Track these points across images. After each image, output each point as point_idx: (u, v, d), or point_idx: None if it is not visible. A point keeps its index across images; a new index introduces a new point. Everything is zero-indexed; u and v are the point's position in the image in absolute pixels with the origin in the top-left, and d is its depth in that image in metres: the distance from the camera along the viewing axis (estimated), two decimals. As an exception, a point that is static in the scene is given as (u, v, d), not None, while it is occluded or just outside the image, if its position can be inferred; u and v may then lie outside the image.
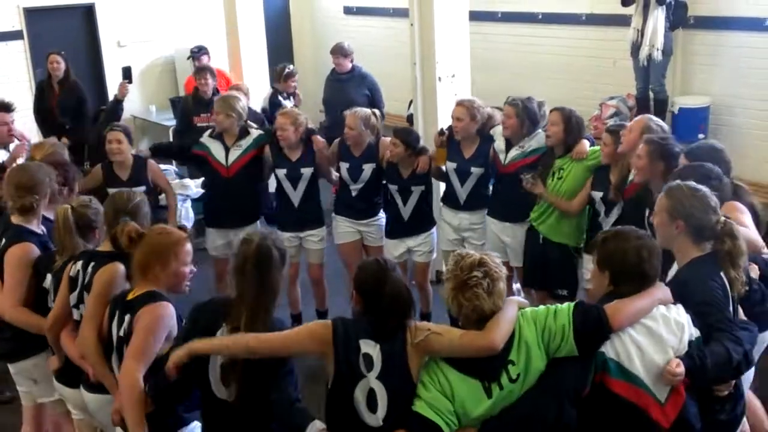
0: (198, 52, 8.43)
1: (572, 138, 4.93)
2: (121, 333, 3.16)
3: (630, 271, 2.85)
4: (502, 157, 5.25)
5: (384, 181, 5.52)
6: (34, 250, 3.77)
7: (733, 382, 3.08)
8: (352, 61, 8.15)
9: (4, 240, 3.86)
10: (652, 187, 4.12)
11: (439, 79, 6.28)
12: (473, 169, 5.35)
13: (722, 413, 3.09)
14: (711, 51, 7.51)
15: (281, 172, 5.50)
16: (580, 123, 4.98)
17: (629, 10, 7.44)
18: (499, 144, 5.27)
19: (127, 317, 3.14)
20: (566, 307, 2.81)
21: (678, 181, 3.23)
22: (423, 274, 5.68)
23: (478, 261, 2.77)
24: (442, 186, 5.69)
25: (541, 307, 2.87)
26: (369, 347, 2.78)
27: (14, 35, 10.02)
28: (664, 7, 7.09)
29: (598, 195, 4.79)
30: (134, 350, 3.04)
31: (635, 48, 7.35)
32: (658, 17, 7.11)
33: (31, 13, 10.08)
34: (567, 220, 5.01)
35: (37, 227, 3.90)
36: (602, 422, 2.82)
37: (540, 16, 8.94)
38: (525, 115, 5.08)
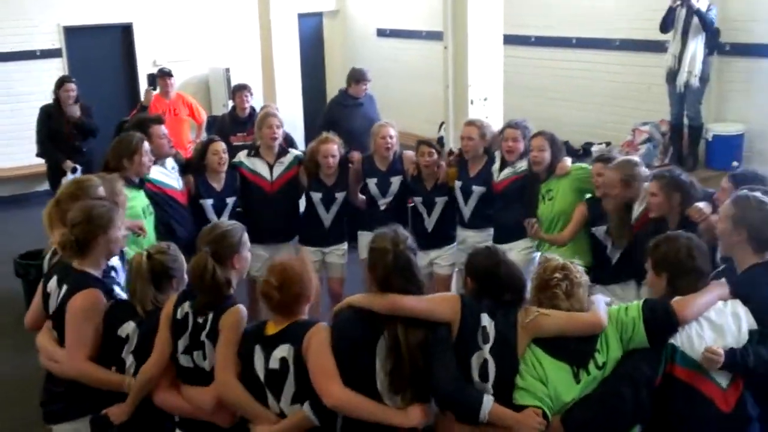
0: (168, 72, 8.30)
1: (557, 160, 5.01)
2: (274, 366, 3.00)
3: (685, 268, 3.08)
4: (495, 175, 5.35)
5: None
6: (102, 298, 3.37)
7: None
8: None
9: (66, 287, 3.40)
10: (669, 219, 4.18)
11: (472, 102, 6.29)
12: (474, 188, 5.41)
13: None
14: (745, 78, 7.48)
15: (316, 196, 5.55)
16: (561, 145, 5.14)
17: (663, 36, 7.43)
18: (495, 164, 5.38)
19: (282, 348, 2.99)
20: (636, 303, 3.06)
21: (746, 192, 3.34)
22: (445, 287, 5.66)
23: (561, 265, 3.01)
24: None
25: (614, 306, 3.10)
26: (486, 322, 2.98)
27: (53, 53, 10.26)
28: (704, 34, 7.04)
29: (601, 229, 4.72)
30: (325, 371, 2.93)
31: (671, 74, 7.32)
32: (698, 44, 7.10)
33: (70, 32, 10.32)
34: (563, 249, 4.81)
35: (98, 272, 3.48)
36: (668, 408, 2.99)
37: (574, 41, 8.95)
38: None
